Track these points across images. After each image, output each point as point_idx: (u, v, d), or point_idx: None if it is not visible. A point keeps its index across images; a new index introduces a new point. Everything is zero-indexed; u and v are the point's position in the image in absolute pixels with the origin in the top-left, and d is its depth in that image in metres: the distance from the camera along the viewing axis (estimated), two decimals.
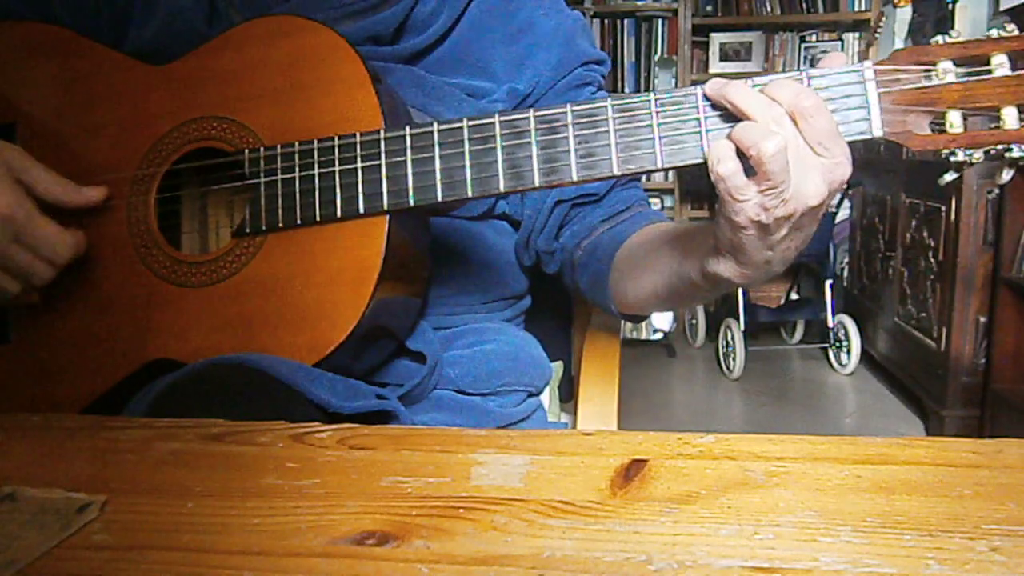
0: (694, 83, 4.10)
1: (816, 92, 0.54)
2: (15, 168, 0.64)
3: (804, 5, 3.78)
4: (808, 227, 0.57)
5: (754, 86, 0.55)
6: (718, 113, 0.57)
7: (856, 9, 3.75)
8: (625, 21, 3.87)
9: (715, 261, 0.60)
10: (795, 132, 0.53)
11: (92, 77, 0.73)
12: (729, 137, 0.54)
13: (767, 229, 0.55)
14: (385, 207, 0.62)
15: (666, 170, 0.59)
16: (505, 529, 0.38)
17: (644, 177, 3.95)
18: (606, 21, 3.88)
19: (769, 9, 3.81)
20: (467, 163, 0.61)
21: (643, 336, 3.41)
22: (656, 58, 3.85)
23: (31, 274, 0.65)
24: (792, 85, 0.54)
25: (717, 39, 3.85)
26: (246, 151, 0.66)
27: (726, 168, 0.53)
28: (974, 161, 0.55)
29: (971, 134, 0.55)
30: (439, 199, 0.62)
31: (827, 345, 3.16)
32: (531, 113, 0.60)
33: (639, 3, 3.81)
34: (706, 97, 0.57)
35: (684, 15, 3.78)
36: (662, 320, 3.32)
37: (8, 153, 0.65)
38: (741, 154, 0.53)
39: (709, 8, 3.84)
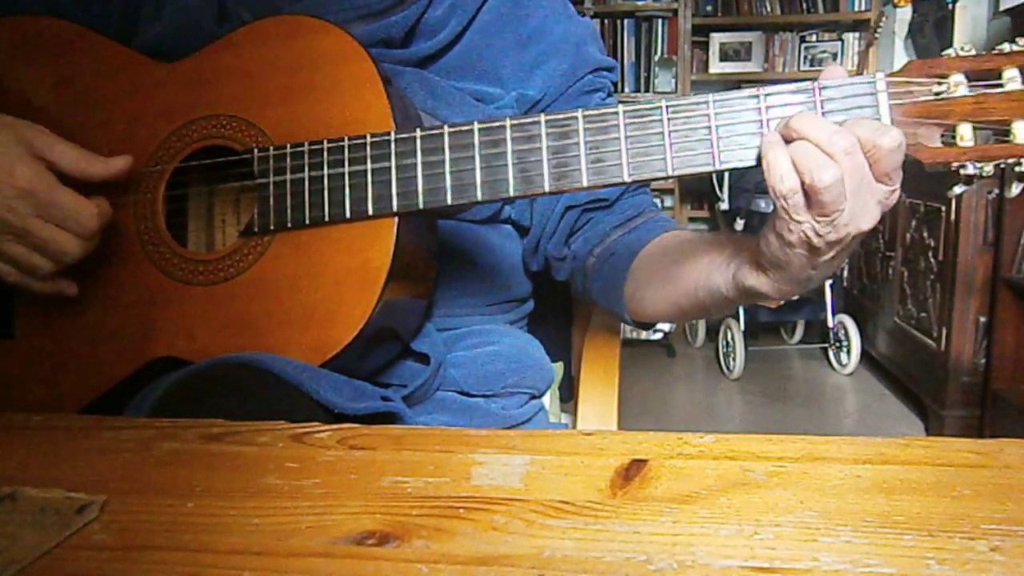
0: (694, 83, 4.08)
1: (896, 129, 0.53)
2: (37, 146, 0.63)
3: (804, 5, 3.78)
4: (853, 246, 0.56)
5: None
6: (730, 122, 0.56)
7: (856, 9, 3.75)
8: (625, 21, 3.87)
9: (753, 275, 0.60)
10: (863, 162, 0.52)
11: (102, 73, 0.72)
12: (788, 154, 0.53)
13: (817, 251, 0.55)
14: (394, 209, 0.62)
15: (676, 177, 0.59)
16: (505, 529, 0.38)
17: None
18: (606, 21, 3.87)
19: (769, 9, 3.81)
20: (477, 166, 0.61)
21: (643, 336, 3.41)
22: (656, 58, 3.85)
23: (59, 250, 0.64)
24: (873, 123, 0.53)
25: (717, 39, 3.85)
26: (255, 150, 0.66)
27: (790, 186, 0.52)
28: (984, 174, 0.55)
29: (982, 148, 0.55)
30: (448, 202, 0.61)
31: (827, 345, 3.16)
32: (542, 117, 0.59)
33: (639, 3, 3.81)
34: (718, 105, 0.56)
35: (684, 15, 3.77)
36: None
37: (29, 131, 0.64)
38: None
39: (709, 8, 3.83)
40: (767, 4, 3.80)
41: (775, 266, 0.58)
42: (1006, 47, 0.54)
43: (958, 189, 0.57)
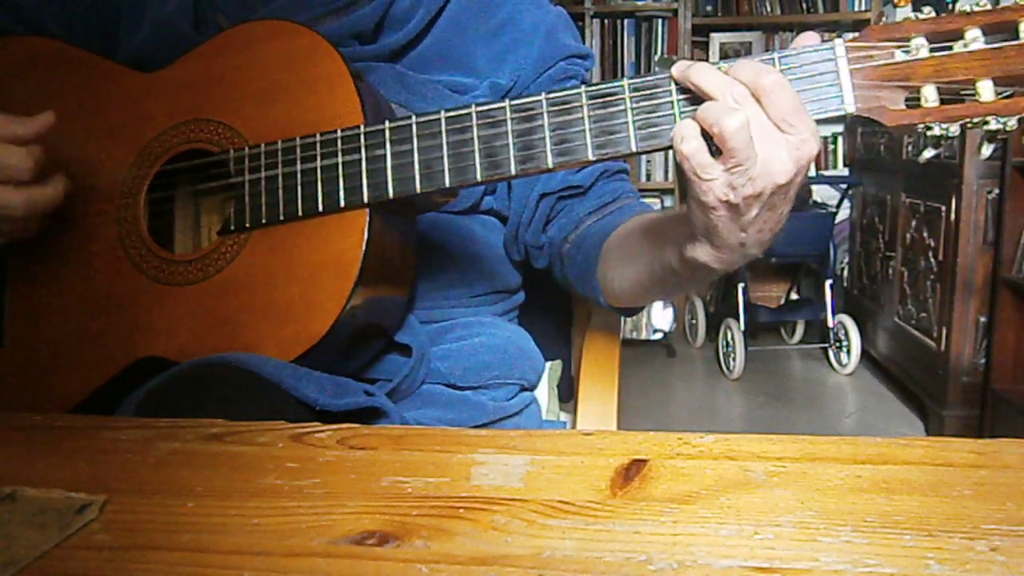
0: None
1: (777, 70, 0.54)
2: None
3: (804, 5, 3.78)
4: (780, 207, 0.56)
5: (719, 67, 0.55)
6: (690, 96, 0.57)
7: (856, 9, 3.75)
8: (625, 21, 3.87)
9: (692, 246, 0.60)
10: (758, 110, 0.53)
11: (84, 86, 0.74)
12: (693, 118, 0.54)
13: (737, 209, 0.55)
14: (365, 200, 0.63)
15: (641, 154, 0.60)
16: (505, 529, 0.38)
17: (644, 177, 3.93)
18: (606, 21, 3.88)
19: (769, 9, 3.81)
20: (444, 153, 0.62)
21: (643, 336, 3.40)
22: (656, 58, 3.85)
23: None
24: (754, 64, 0.54)
25: (717, 39, 3.85)
26: (231, 151, 0.68)
27: (689, 147, 0.53)
28: (951, 135, 0.55)
29: (945, 108, 0.54)
30: (418, 190, 0.62)
31: (827, 345, 3.16)
32: (507, 103, 0.61)
33: (639, 3, 3.81)
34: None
35: (684, 15, 3.77)
36: (662, 320, 3.32)
37: None
38: (707, 135, 0.53)
39: (709, 8, 3.83)
40: (767, 4, 3.80)
41: (705, 234, 0.58)
42: (967, 7, 0.54)
43: (928, 153, 0.57)
